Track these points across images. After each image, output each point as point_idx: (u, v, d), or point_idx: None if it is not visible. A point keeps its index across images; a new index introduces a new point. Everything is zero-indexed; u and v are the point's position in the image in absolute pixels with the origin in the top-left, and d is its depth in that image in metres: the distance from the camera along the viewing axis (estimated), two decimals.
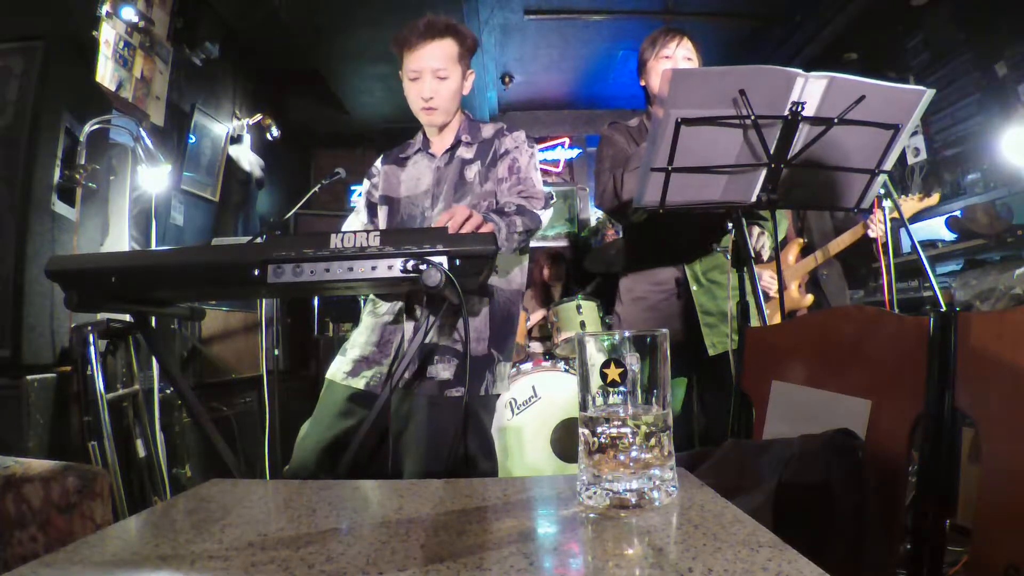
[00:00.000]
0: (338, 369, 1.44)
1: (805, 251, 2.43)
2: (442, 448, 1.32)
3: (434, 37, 1.42)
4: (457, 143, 1.51)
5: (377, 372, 1.39)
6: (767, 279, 2.32)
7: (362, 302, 1.58)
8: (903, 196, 2.26)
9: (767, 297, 2.39)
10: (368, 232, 1.01)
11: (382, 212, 1.55)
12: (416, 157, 1.56)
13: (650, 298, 1.75)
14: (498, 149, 1.50)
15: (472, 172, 1.48)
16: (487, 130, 1.54)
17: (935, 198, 2.24)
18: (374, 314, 1.46)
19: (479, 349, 1.41)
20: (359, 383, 1.39)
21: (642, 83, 1.79)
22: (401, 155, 1.59)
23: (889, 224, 1.80)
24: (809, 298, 2.40)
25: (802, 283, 2.41)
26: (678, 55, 1.69)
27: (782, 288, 1.41)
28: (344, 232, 1.01)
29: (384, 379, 1.37)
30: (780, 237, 1.92)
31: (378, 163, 1.63)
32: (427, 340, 1.33)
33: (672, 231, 1.70)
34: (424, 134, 1.57)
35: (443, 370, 1.36)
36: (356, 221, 1.59)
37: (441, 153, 1.52)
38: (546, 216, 1.42)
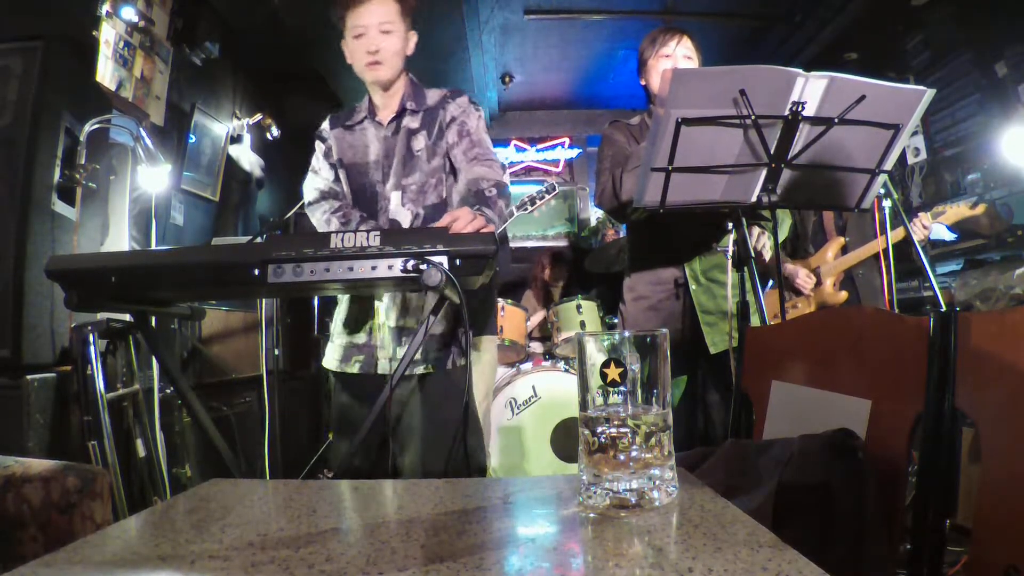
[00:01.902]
0: (332, 358, 1.50)
1: (845, 250, 2.45)
2: (431, 426, 1.39)
3: None
4: (403, 111, 1.51)
5: (367, 356, 1.45)
6: (803, 277, 2.36)
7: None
8: (950, 204, 2.28)
9: (799, 294, 2.41)
10: (368, 232, 1.01)
11: (344, 176, 1.55)
12: (364, 124, 1.55)
13: (652, 297, 1.76)
14: (443, 119, 1.51)
15: (419, 144, 1.49)
16: (431, 96, 1.54)
17: (981, 208, 2.27)
18: (349, 301, 1.50)
19: (442, 328, 1.43)
20: (353, 367, 1.45)
21: (642, 82, 1.79)
22: (348, 122, 1.57)
23: (889, 227, 1.81)
24: (843, 295, 2.41)
25: (837, 280, 2.43)
26: (678, 54, 1.69)
27: (782, 288, 1.41)
28: (343, 231, 1.01)
29: (372, 362, 1.44)
30: (782, 237, 1.93)
31: (326, 126, 1.60)
32: (397, 324, 1.41)
33: (673, 230, 1.70)
34: (370, 100, 1.56)
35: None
36: (319, 179, 1.57)
37: (387, 121, 1.52)
38: (507, 179, 1.45)
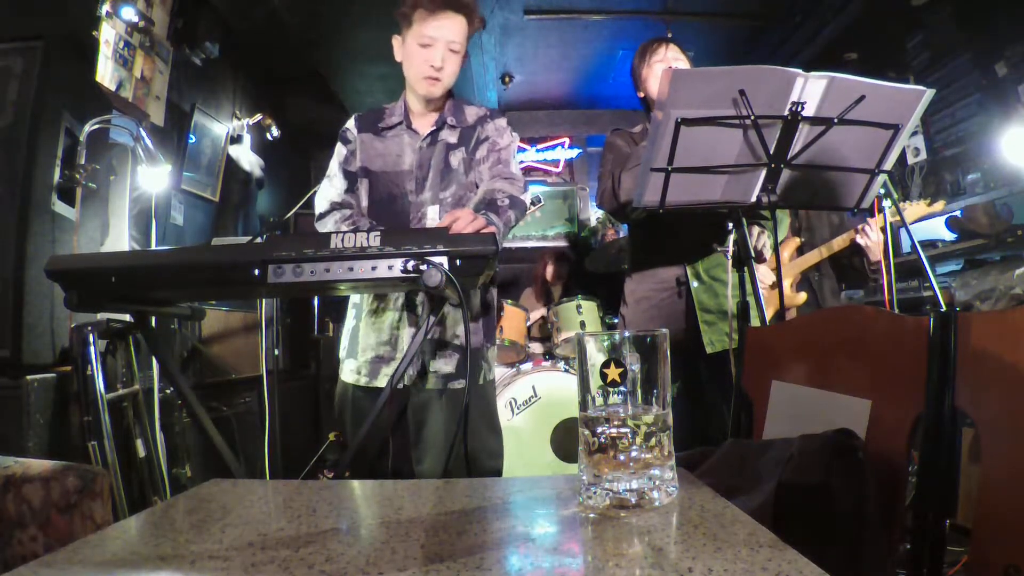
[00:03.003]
0: (357, 373, 1.46)
1: (800, 250, 2.44)
2: (452, 436, 1.39)
3: (455, 9, 1.40)
4: (442, 124, 1.49)
5: (395, 369, 1.43)
6: (762, 274, 2.36)
7: (351, 303, 1.57)
8: (908, 201, 2.27)
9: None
10: (368, 232, 1.01)
11: (363, 185, 1.52)
12: (397, 130, 1.52)
13: (653, 298, 1.76)
14: (480, 136, 1.50)
15: (457, 159, 1.48)
16: (471, 114, 1.53)
17: (940, 205, 2.26)
18: (376, 314, 1.47)
19: (476, 341, 1.46)
20: (381, 382, 1.43)
21: (640, 94, 1.83)
22: (380, 124, 1.53)
23: (889, 228, 1.80)
24: (802, 296, 2.41)
25: (795, 282, 2.43)
26: (668, 57, 1.74)
27: (781, 287, 1.41)
28: (344, 232, 1.01)
29: (397, 376, 1.42)
30: (781, 236, 1.94)
31: (352, 127, 1.55)
32: (429, 337, 1.39)
33: (675, 230, 1.71)
34: (406, 107, 1.52)
35: (444, 364, 1.42)
36: (332, 189, 1.52)
37: (425, 132, 1.50)
38: (528, 200, 1.45)
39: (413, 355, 1.18)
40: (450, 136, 1.50)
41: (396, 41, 1.47)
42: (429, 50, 1.40)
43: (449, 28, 1.40)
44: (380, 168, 1.51)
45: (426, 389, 1.42)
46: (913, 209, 2.21)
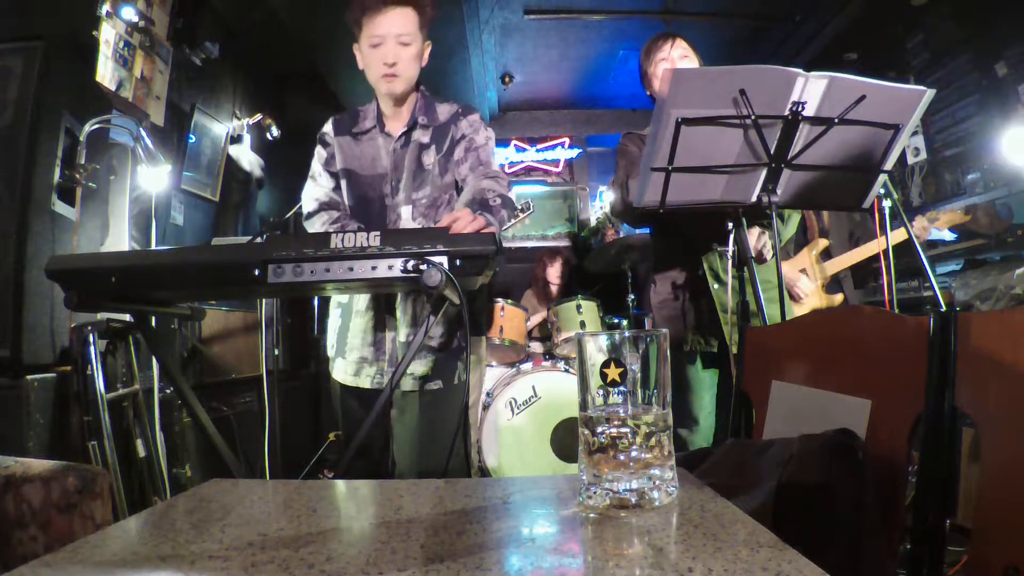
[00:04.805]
0: (344, 372, 1.49)
1: (827, 252, 2.45)
2: (432, 437, 1.41)
3: (396, 4, 1.40)
4: (413, 124, 1.49)
5: (377, 370, 1.46)
6: (801, 286, 2.37)
7: (336, 303, 1.57)
8: (942, 210, 2.32)
9: (797, 299, 2.40)
10: (368, 232, 1.01)
11: (345, 185, 1.53)
12: (372, 134, 1.52)
13: (676, 297, 1.76)
14: (455, 135, 1.50)
15: (430, 159, 1.48)
16: (442, 111, 1.52)
17: (970, 216, 2.31)
18: (360, 315, 1.49)
19: (452, 342, 1.46)
20: (364, 382, 1.45)
21: (648, 93, 1.82)
22: (354, 129, 1.53)
23: (889, 228, 1.81)
24: (840, 296, 2.41)
25: (825, 283, 2.43)
26: (673, 55, 1.72)
27: (782, 287, 1.41)
28: (345, 232, 1.01)
29: (386, 376, 1.44)
30: (789, 235, 1.94)
31: (330, 130, 1.56)
32: (405, 339, 1.42)
33: (694, 230, 1.70)
34: (378, 109, 1.53)
35: (420, 366, 1.43)
36: (317, 189, 1.53)
37: (397, 134, 1.49)
38: (513, 197, 1.46)
39: (412, 356, 1.17)
40: (422, 136, 1.50)
41: (356, 50, 1.48)
42: (380, 48, 1.41)
43: (395, 22, 1.39)
44: (358, 171, 1.52)
45: (402, 390, 1.43)
46: (949, 216, 2.25)
